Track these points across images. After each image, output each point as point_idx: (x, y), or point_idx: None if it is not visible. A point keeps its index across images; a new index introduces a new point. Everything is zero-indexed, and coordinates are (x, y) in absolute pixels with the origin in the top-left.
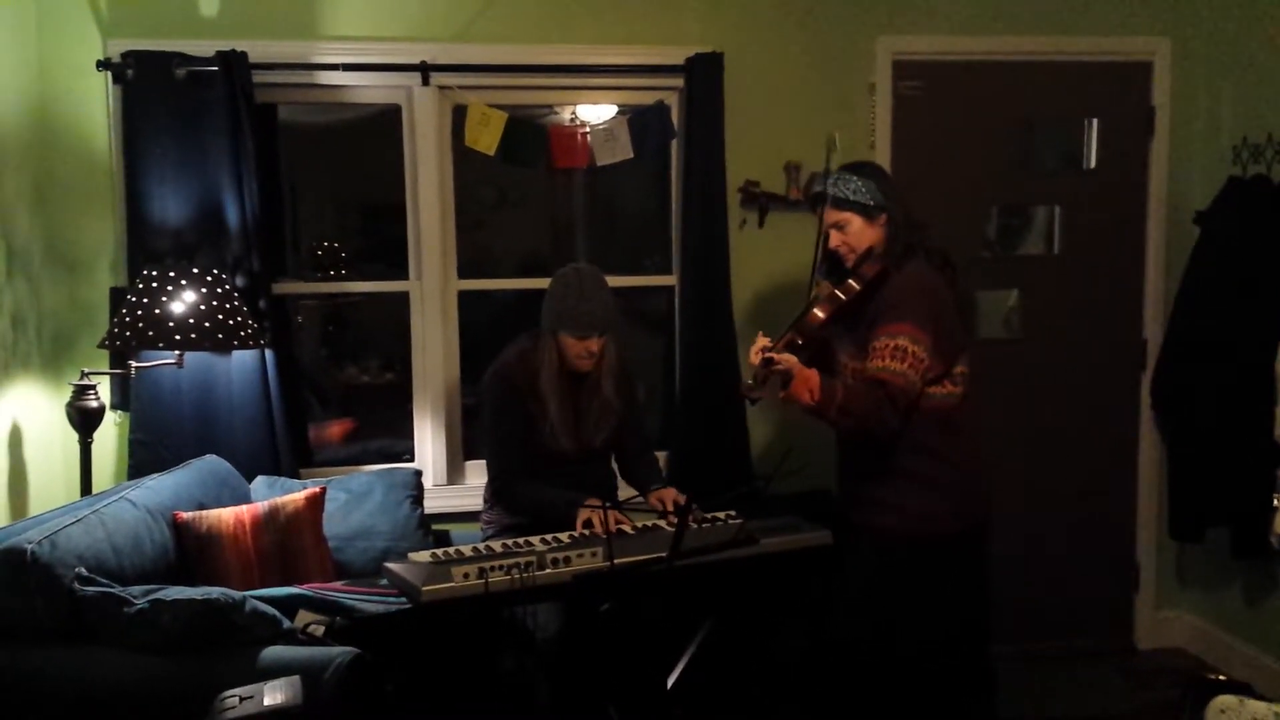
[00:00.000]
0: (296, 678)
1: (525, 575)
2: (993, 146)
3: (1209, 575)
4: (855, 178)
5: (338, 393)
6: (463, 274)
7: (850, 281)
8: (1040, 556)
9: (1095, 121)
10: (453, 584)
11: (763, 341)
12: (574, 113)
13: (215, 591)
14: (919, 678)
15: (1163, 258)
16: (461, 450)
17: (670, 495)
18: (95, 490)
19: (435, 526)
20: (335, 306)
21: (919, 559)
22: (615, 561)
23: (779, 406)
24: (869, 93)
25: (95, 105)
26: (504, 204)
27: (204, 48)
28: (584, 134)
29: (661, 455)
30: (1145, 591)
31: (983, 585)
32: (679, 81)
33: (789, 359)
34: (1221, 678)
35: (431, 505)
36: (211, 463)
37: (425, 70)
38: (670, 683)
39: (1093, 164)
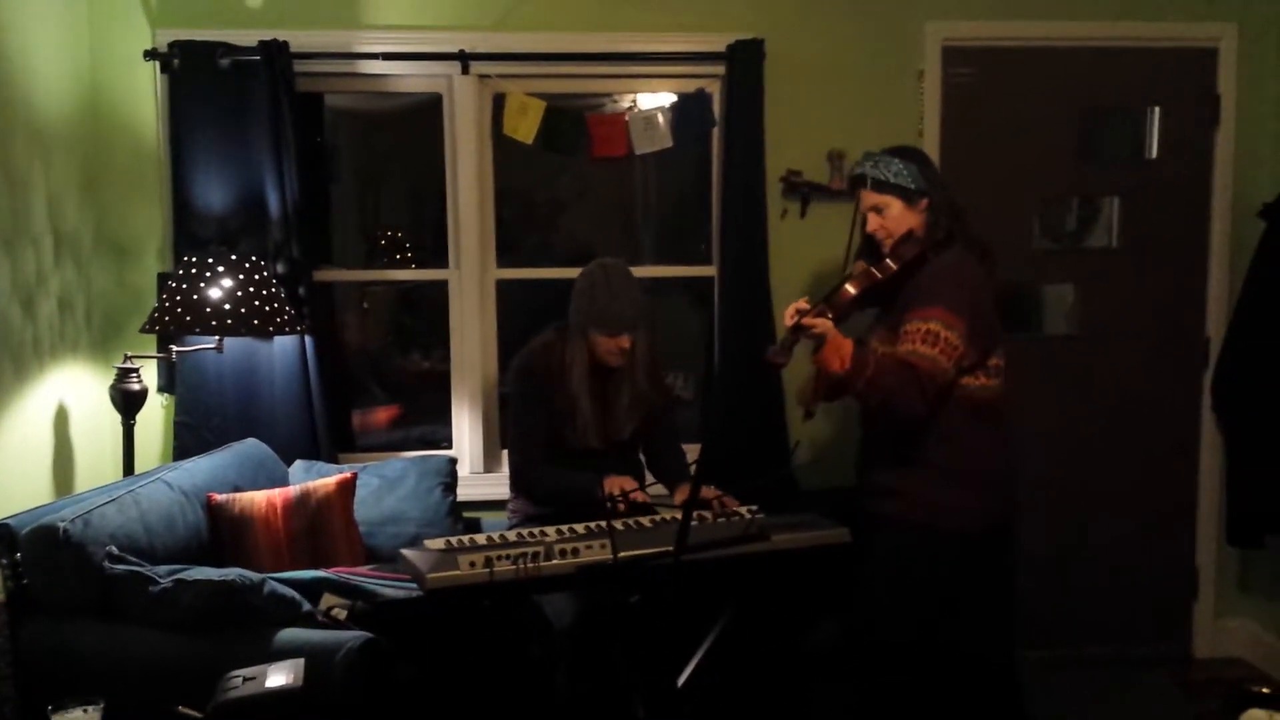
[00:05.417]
0: (300, 660)
1: (531, 565)
2: (1048, 136)
3: (1273, 582)
4: (896, 160)
5: (393, 378)
6: (520, 264)
7: (887, 261)
8: (1096, 558)
9: (1157, 110)
10: (457, 572)
11: (800, 304)
12: (614, 101)
13: (233, 573)
14: (941, 676)
15: (1227, 252)
16: (498, 438)
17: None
18: (139, 471)
19: (468, 514)
20: (400, 293)
21: (942, 555)
22: (619, 555)
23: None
24: (917, 80)
25: (144, 94)
26: (557, 195)
27: (247, 37)
28: (623, 122)
29: (696, 448)
30: (1205, 597)
31: (1008, 586)
32: (720, 69)
33: (825, 323)
34: (1264, 690)
35: (466, 493)
36: (250, 446)
37: (465, 59)
38: (682, 680)
39: (1154, 154)
